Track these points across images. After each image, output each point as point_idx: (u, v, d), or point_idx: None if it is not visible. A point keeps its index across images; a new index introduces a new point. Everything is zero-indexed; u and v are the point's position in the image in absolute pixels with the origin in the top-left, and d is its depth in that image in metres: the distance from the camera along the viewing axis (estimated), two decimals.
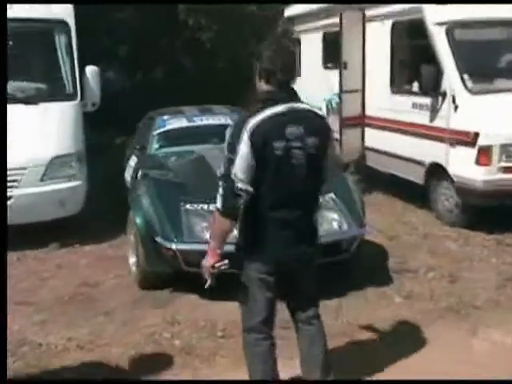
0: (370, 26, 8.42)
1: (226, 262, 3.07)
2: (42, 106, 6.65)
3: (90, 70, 7.08)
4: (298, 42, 11.12)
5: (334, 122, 8.89)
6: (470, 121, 6.59)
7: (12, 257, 5.74)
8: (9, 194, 5.88)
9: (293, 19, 11.40)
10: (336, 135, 8.78)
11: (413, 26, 7.63)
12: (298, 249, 3.14)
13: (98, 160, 8.08)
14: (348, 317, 4.66)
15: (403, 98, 7.75)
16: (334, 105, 8.95)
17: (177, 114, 7.51)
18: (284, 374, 3.43)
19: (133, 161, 7.06)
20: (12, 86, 6.28)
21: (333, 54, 9.14)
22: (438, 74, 6.93)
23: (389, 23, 7.97)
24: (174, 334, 4.39)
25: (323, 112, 8.91)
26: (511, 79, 6.97)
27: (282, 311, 3.43)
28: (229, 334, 4.27)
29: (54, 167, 6.51)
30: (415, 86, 7.53)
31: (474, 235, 6.54)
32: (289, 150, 2.98)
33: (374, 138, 8.49)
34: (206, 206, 4.92)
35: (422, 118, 7.27)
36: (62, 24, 6.99)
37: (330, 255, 4.93)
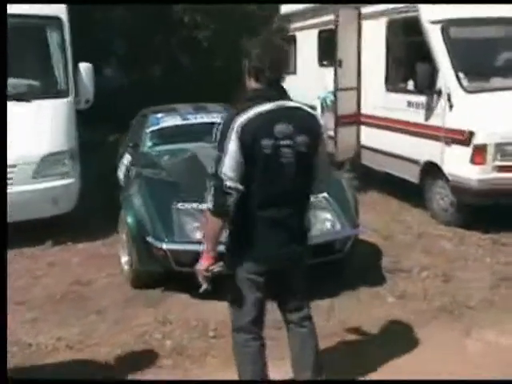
0: (365, 24, 8.39)
1: (221, 264, 3.04)
2: (35, 102, 6.60)
3: (84, 67, 7.02)
4: (294, 39, 11.10)
5: (329, 120, 8.87)
6: (465, 119, 6.56)
7: None
8: None
9: (288, 16, 11.36)
10: (331, 133, 8.76)
11: (408, 23, 7.59)
12: (288, 248, 3.11)
13: (91, 157, 8.05)
14: (340, 317, 4.63)
15: (398, 96, 7.73)
16: (328, 103, 8.91)
17: (170, 111, 7.48)
18: (275, 375, 3.40)
19: (126, 159, 7.03)
20: None
21: (328, 51, 9.11)
22: (434, 72, 6.90)
23: (384, 21, 7.94)
24: (165, 333, 4.36)
25: (317, 110, 8.92)
26: (507, 78, 6.94)
27: (274, 311, 3.41)
28: (220, 334, 4.24)
29: (46, 164, 6.46)
30: (410, 84, 7.50)
31: (469, 234, 6.52)
32: (277, 148, 2.95)
33: (369, 137, 8.46)
34: (197, 206, 4.88)
35: (417, 116, 7.24)
36: (55, 20, 6.93)
37: (323, 255, 4.92)
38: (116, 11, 11.92)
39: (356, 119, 8.64)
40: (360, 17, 8.43)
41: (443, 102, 6.81)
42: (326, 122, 8.81)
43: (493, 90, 6.68)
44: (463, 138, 6.47)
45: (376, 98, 8.20)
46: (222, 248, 3.12)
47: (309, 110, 3.19)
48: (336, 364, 3.82)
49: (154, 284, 5.14)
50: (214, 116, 7.15)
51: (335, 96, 8.57)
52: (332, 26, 8.62)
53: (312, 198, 4.96)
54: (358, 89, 8.59)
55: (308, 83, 9.99)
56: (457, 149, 6.60)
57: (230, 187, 2.90)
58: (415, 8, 7.23)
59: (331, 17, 8.67)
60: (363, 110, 8.57)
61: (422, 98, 7.14)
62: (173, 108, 7.64)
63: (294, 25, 11.11)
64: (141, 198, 5.17)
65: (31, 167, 6.40)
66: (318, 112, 8.85)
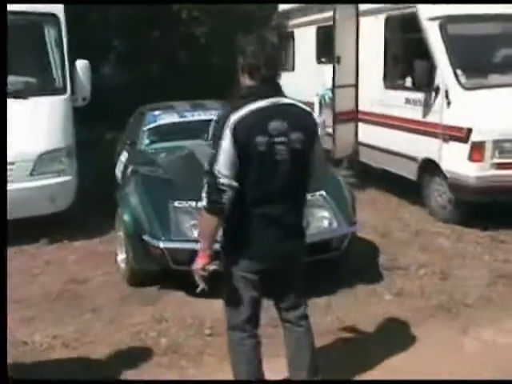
0: (363, 21, 8.36)
1: (217, 262, 3.02)
2: (32, 100, 6.58)
3: (81, 64, 7.00)
4: (292, 36, 11.09)
5: (327, 117, 8.86)
6: (463, 116, 6.55)
7: None
8: None
9: (287, 13, 11.34)
10: (329, 130, 8.75)
11: (406, 20, 7.57)
12: (284, 245, 3.09)
13: (89, 155, 8.03)
14: (337, 314, 4.61)
15: (396, 93, 7.71)
16: (327, 100, 8.89)
17: (168, 109, 7.45)
18: (271, 373, 3.39)
19: (123, 156, 7.00)
20: None
21: (326, 48, 9.08)
22: (431, 69, 6.88)
23: (382, 17, 7.92)
24: (161, 331, 4.34)
25: (316, 107, 8.91)
26: (505, 74, 6.93)
27: (270, 309, 3.41)
28: (216, 332, 4.21)
29: (43, 162, 6.45)
30: (408, 81, 7.48)
31: (467, 232, 6.51)
32: (272, 145, 2.94)
33: (367, 134, 8.44)
34: (194, 204, 4.85)
35: (415, 113, 7.23)
36: (51, 17, 6.91)
37: (320, 253, 4.90)
38: (112, 10, 11.88)
39: (354, 116, 8.62)
40: (358, 13, 8.39)
41: (441, 98, 6.79)
42: (325, 119, 8.82)
43: (491, 87, 6.66)
44: (461, 134, 6.46)
45: (374, 94, 8.18)
46: (217, 246, 3.10)
47: (304, 106, 3.17)
48: (333, 362, 3.81)
49: (151, 282, 5.13)
50: (211, 113, 7.09)
51: (333, 93, 8.54)
52: (330, 23, 8.58)
53: (309, 196, 4.99)
54: (356, 86, 8.56)
55: (306, 80, 9.98)
56: (455, 146, 6.58)
57: (224, 184, 2.89)
58: (413, 4, 7.20)
59: (329, 13, 8.63)
60: (361, 107, 8.55)
61: (420, 95, 7.12)
62: (170, 105, 7.62)
63: (293, 21, 11.10)
64: (137, 196, 5.15)
65: (28, 165, 6.38)
66: (317, 109, 8.85)
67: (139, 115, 7.65)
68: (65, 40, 6.97)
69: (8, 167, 6.08)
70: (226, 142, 2.89)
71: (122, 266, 5.35)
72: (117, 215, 5.41)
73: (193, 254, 3.30)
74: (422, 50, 7.06)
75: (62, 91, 6.87)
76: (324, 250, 4.99)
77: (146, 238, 4.86)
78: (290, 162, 2.99)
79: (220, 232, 3.11)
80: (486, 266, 5.56)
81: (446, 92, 6.70)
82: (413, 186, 7.46)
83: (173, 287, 5.00)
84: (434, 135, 6.88)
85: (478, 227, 6.49)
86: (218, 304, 3.96)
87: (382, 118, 7.98)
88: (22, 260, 5.97)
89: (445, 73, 6.76)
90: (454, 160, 6.59)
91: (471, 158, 6.36)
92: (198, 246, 3.22)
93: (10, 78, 6.54)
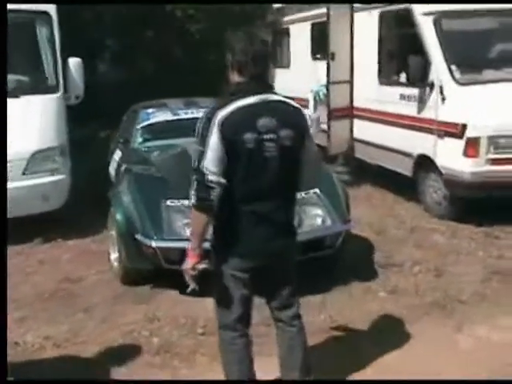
0: (357, 16, 8.34)
1: (207, 261, 3.00)
2: (24, 98, 6.53)
3: (73, 62, 6.96)
4: (287, 32, 11.06)
5: (321, 114, 8.84)
6: (457, 112, 6.52)
7: None
8: None
9: (282, 10, 11.31)
10: (324, 127, 8.73)
11: (400, 15, 7.55)
12: (274, 243, 3.07)
13: (83, 153, 7.99)
14: (332, 312, 4.59)
15: (391, 89, 7.68)
16: (321, 96, 8.86)
17: (161, 106, 7.41)
18: (263, 373, 3.37)
19: (117, 155, 6.97)
20: None
21: (321, 44, 9.06)
22: (426, 64, 6.86)
23: (376, 13, 7.88)
24: (154, 331, 4.33)
25: (310, 103, 8.89)
26: (499, 70, 6.89)
27: (263, 308, 3.38)
28: (209, 331, 4.18)
29: (36, 161, 6.42)
30: (403, 77, 7.46)
31: (462, 228, 6.49)
32: (261, 142, 2.91)
33: (363, 130, 8.43)
34: (187, 202, 4.79)
35: (410, 109, 7.21)
36: (43, 15, 6.87)
37: (314, 251, 4.90)
38: (106, 8, 11.82)
39: (349, 112, 8.60)
40: (352, 9, 8.36)
41: (436, 94, 6.77)
42: (319, 115, 8.80)
43: (485, 82, 6.62)
44: (456, 130, 6.44)
45: (369, 91, 8.16)
46: (207, 245, 3.08)
47: (293, 103, 3.13)
48: (326, 360, 3.79)
49: (144, 281, 5.11)
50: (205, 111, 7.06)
51: (328, 89, 8.51)
52: (325, 19, 8.55)
53: (302, 194, 5.05)
54: (351, 82, 8.54)
55: (301, 77, 9.97)
56: (449, 142, 6.56)
57: (212, 181, 2.87)
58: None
59: (324, 10, 8.61)
60: (356, 103, 8.53)
61: (415, 91, 7.10)
62: (163, 103, 7.58)
63: (288, 18, 11.07)
64: (130, 195, 5.12)
65: (21, 163, 6.35)
66: (311, 106, 8.83)
67: (132, 113, 7.61)
68: (57, 38, 6.92)
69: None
70: (214, 139, 2.86)
71: (115, 265, 5.33)
72: (109, 214, 5.38)
73: (185, 253, 3.27)
74: (416, 46, 7.04)
75: (55, 89, 6.83)
76: (318, 248, 4.98)
77: (138, 237, 4.83)
78: (279, 159, 2.96)
79: (210, 230, 3.08)
80: (481, 262, 5.54)
81: (441, 88, 6.68)
82: (408, 182, 7.44)
83: (166, 286, 4.97)
84: (429, 131, 6.86)
85: (472, 223, 6.48)
86: (211, 303, 3.91)
87: (376, 114, 7.96)
88: (16, 259, 5.92)
89: (439, 68, 6.74)
90: (449, 156, 6.57)
91: (466, 154, 6.34)
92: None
93: None
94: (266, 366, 3.45)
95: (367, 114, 8.22)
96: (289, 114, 3.05)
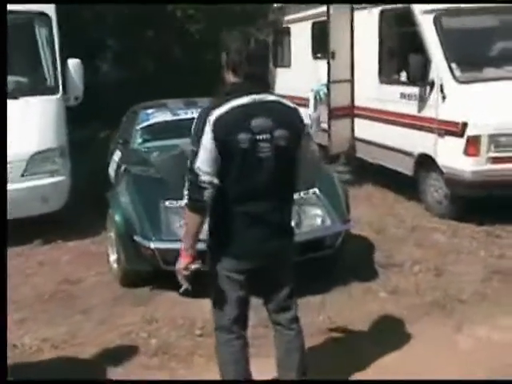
0: (357, 15, 8.31)
1: (200, 261, 2.99)
2: (23, 100, 6.54)
3: (73, 63, 6.96)
4: (288, 32, 11.04)
5: (322, 113, 8.82)
6: (458, 110, 6.49)
7: None
8: None
9: (283, 9, 11.28)
10: (325, 126, 8.71)
11: (401, 14, 7.52)
12: (270, 244, 3.04)
13: (83, 154, 7.99)
14: (331, 313, 4.56)
15: (392, 88, 7.65)
16: (322, 96, 8.83)
17: (161, 107, 7.39)
18: (261, 373, 3.36)
19: (116, 155, 6.96)
20: None
21: (322, 43, 9.02)
22: (426, 63, 6.83)
23: (377, 12, 7.85)
24: (152, 332, 4.31)
25: (311, 103, 8.86)
26: (500, 68, 6.85)
27: (261, 309, 3.36)
28: (207, 333, 4.15)
29: (35, 163, 6.42)
30: (403, 76, 7.43)
31: (463, 227, 6.46)
32: (255, 142, 2.89)
33: (363, 129, 8.40)
34: None
35: (411, 108, 7.18)
36: (42, 16, 6.87)
37: (314, 251, 4.88)
38: (107, 8, 11.82)
39: (350, 112, 8.57)
40: (353, 8, 8.34)
41: (436, 93, 6.74)
42: (320, 114, 8.78)
43: (486, 81, 6.59)
44: (456, 129, 6.40)
45: (369, 89, 8.13)
46: (202, 246, 3.06)
47: (289, 103, 3.11)
48: (326, 361, 3.79)
49: (143, 282, 5.10)
50: None
51: (328, 89, 8.49)
52: (325, 18, 8.52)
53: (302, 194, 5.03)
54: (352, 81, 8.51)
55: (302, 76, 9.95)
56: (450, 140, 6.53)
57: (205, 182, 2.86)
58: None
59: (324, 8, 8.58)
60: (357, 103, 8.50)
61: (415, 90, 7.07)
62: (163, 104, 7.56)
63: (288, 17, 11.04)
64: (128, 196, 5.12)
65: (21, 165, 6.34)
66: (311, 105, 8.80)
67: (132, 114, 7.60)
68: (56, 39, 6.92)
69: None
70: (207, 139, 2.85)
71: (114, 266, 5.31)
72: (108, 215, 5.37)
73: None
74: (416, 44, 7.01)
75: (54, 91, 6.84)
76: (317, 248, 4.96)
77: (136, 238, 4.82)
78: (274, 160, 2.94)
79: (206, 231, 3.07)
80: (481, 262, 5.51)
81: (441, 86, 6.64)
82: (410, 181, 7.40)
83: (165, 288, 4.95)
84: (430, 130, 6.83)
85: (473, 222, 6.44)
86: (208, 304, 3.88)
87: (377, 113, 7.93)
88: (16, 261, 5.91)
89: (439, 67, 6.71)
90: (450, 155, 6.54)
91: (467, 153, 6.31)
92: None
93: None
94: (264, 368, 3.44)
95: (368, 113, 8.19)
96: (284, 114, 3.02)
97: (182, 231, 4.62)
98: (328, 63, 8.38)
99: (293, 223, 3.43)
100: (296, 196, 4.30)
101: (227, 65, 3.03)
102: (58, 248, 6.29)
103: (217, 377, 3.32)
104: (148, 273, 5.03)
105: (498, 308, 4.60)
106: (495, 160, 6.25)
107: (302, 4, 10.19)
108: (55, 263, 5.90)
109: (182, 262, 2.99)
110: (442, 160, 6.67)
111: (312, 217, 5.05)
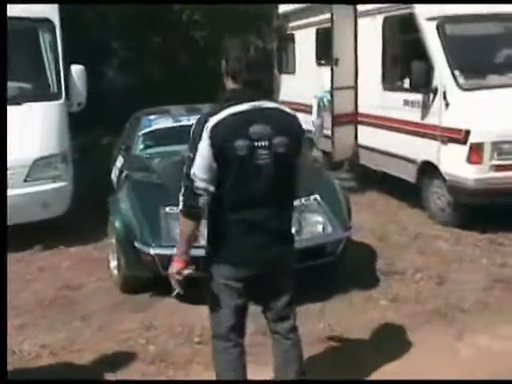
0: (361, 22, 8.30)
1: (193, 267, 2.98)
2: (26, 105, 6.56)
3: (76, 70, 6.97)
4: (293, 38, 11.03)
5: (326, 120, 8.81)
6: (461, 118, 6.46)
7: None
8: None
9: (287, 15, 11.28)
10: (328, 133, 8.69)
11: (404, 21, 7.49)
12: (268, 251, 3.01)
13: (86, 160, 8.00)
14: (331, 320, 4.54)
15: (395, 95, 7.63)
16: (325, 102, 8.81)
17: (163, 113, 7.41)
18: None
19: (119, 161, 6.97)
20: None
21: (326, 50, 9.01)
22: (429, 69, 6.80)
23: (380, 18, 7.84)
24: (150, 339, 4.30)
25: (314, 109, 8.85)
26: (503, 75, 6.82)
27: (259, 317, 3.33)
28: (205, 340, 4.11)
29: (37, 168, 6.43)
30: (407, 83, 7.41)
31: (466, 234, 6.42)
32: (253, 149, 2.87)
33: (367, 136, 8.37)
34: None
35: (414, 115, 7.15)
36: (46, 23, 6.90)
37: (314, 258, 4.86)
38: (112, 16, 11.89)
39: (353, 118, 8.55)
40: (356, 14, 8.33)
41: (439, 100, 6.70)
42: (323, 121, 8.77)
43: (489, 88, 6.56)
44: (459, 136, 6.37)
45: (373, 96, 8.11)
46: (196, 252, 3.07)
47: (288, 110, 3.09)
48: (326, 369, 3.78)
49: (143, 289, 5.08)
50: None
51: (332, 95, 8.47)
52: (329, 25, 8.51)
53: (303, 201, 5.01)
54: (355, 87, 8.49)
55: (306, 82, 9.94)
56: (453, 148, 6.50)
57: (199, 188, 2.85)
58: (411, 5, 7.13)
59: (328, 15, 8.57)
60: (360, 109, 8.48)
61: (418, 97, 7.04)
62: (166, 110, 7.58)
63: (293, 23, 11.04)
64: (129, 202, 5.11)
65: (23, 171, 6.36)
66: (315, 111, 8.79)
67: (135, 120, 7.62)
68: (60, 45, 6.95)
69: None
70: (203, 146, 2.85)
71: (115, 272, 5.31)
72: (109, 221, 5.36)
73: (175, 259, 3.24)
74: (420, 51, 6.98)
75: (57, 96, 6.85)
76: (318, 256, 4.94)
77: (137, 244, 4.81)
78: (273, 167, 2.92)
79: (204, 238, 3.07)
80: (484, 270, 5.47)
81: (444, 93, 6.61)
82: (413, 188, 7.36)
83: (165, 294, 4.90)
84: (433, 137, 6.80)
85: (476, 230, 6.40)
86: (207, 311, 3.92)
87: (380, 120, 7.91)
88: (16, 266, 5.91)
89: (443, 74, 6.68)
90: (453, 162, 6.51)
91: (470, 160, 6.28)
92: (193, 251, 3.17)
93: None
94: (261, 376, 3.44)
95: (371, 119, 8.17)
96: (283, 121, 3.01)
97: None
98: (331, 70, 8.36)
99: (293, 230, 3.42)
100: (297, 203, 4.31)
101: (227, 72, 3.03)
102: (59, 254, 6.29)
103: None
104: (148, 279, 5.01)
105: (499, 317, 4.56)
106: (498, 168, 6.22)
107: (305, 3, 10.17)
108: (56, 269, 5.90)
109: (174, 267, 2.99)
110: (445, 167, 6.64)
111: (313, 224, 5.03)
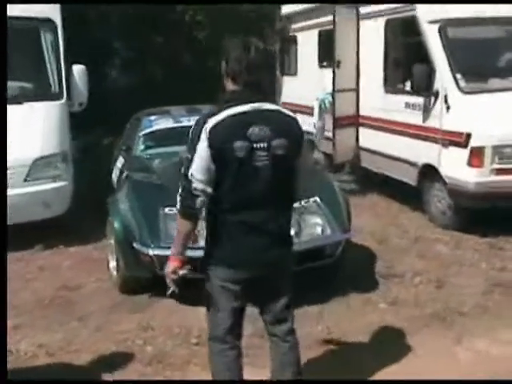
0: (363, 24, 8.29)
1: (188, 267, 2.99)
2: (27, 105, 6.56)
3: (78, 69, 6.98)
4: (295, 40, 11.03)
5: (327, 122, 8.80)
6: (462, 121, 6.45)
7: None
8: None
9: (290, 17, 11.28)
10: (329, 135, 8.68)
11: (406, 23, 7.49)
12: (267, 254, 3.00)
13: (87, 160, 7.99)
14: (329, 323, 4.53)
15: (396, 98, 7.62)
16: (327, 104, 8.80)
17: (164, 114, 7.41)
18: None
19: (119, 162, 6.97)
20: None
21: (328, 52, 9.00)
22: (431, 72, 6.79)
23: (382, 21, 7.83)
24: (147, 340, 4.29)
25: (315, 111, 8.85)
26: (505, 78, 6.81)
27: (257, 319, 3.32)
28: (203, 341, 4.06)
29: (37, 168, 6.43)
30: (408, 85, 7.39)
31: (466, 238, 6.40)
32: (251, 150, 2.86)
33: (368, 139, 8.36)
34: None
35: (415, 118, 7.14)
36: (47, 22, 6.90)
37: (313, 260, 4.84)
38: (115, 16, 11.91)
39: (355, 121, 8.54)
40: (358, 16, 8.32)
41: (440, 103, 6.69)
42: (324, 123, 8.76)
43: (491, 91, 6.55)
44: (460, 140, 6.36)
45: (374, 99, 8.10)
46: (192, 253, 3.10)
47: (288, 112, 3.09)
48: (324, 372, 3.77)
49: (142, 289, 5.07)
50: None
51: (333, 97, 8.46)
52: (331, 27, 8.51)
53: (302, 203, 5.00)
54: (357, 90, 8.48)
55: (308, 84, 9.93)
56: (454, 151, 6.49)
57: (197, 189, 2.85)
58: (413, 7, 7.12)
59: (331, 17, 8.56)
60: (362, 112, 8.47)
61: (420, 100, 7.03)
62: (166, 110, 7.58)
63: (295, 25, 11.03)
64: (128, 203, 5.11)
65: (23, 170, 6.36)
66: (316, 114, 8.78)
67: (135, 120, 7.62)
68: (61, 45, 6.95)
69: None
70: (202, 147, 2.85)
71: (114, 273, 5.30)
72: (108, 222, 5.36)
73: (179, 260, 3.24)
74: (422, 54, 6.98)
75: (58, 96, 6.85)
76: (317, 258, 4.93)
77: (135, 245, 4.81)
78: (271, 169, 2.91)
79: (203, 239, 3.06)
80: (483, 274, 5.45)
81: (445, 96, 6.60)
82: (415, 191, 7.35)
83: (164, 295, 4.89)
84: (434, 140, 6.79)
85: (477, 233, 6.39)
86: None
87: (382, 123, 7.90)
88: (16, 266, 5.90)
89: (444, 77, 6.67)
90: (454, 165, 6.50)
91: (470, 164, 6.26)
92: (187, 253, 3.17)
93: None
94: (258, 378, 3.41)
95: (373, 122, 8.16)
96: (283, 123, 3.00)
97: None
98: (333, 72, 8.35)
99: (292, 232, 3.41)
100: (296, 204, 4.29)
101: (227, 73, 3.02)
102: (60, 253, 6.29)
103: None
104: (147, 280, 5.00)
105: (498, 321, 4.55)
106: (499, 171, 6.20)
107: (306, 3, 10.16)
108: (56, 269, 5.89)
109: (170, 266, 3.00)
110: (446, 170, 6.62)
111: (312, 226, 5.01)
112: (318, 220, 5.05)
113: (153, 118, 7.28)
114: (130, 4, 11.52)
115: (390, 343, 4.29)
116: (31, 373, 3.91)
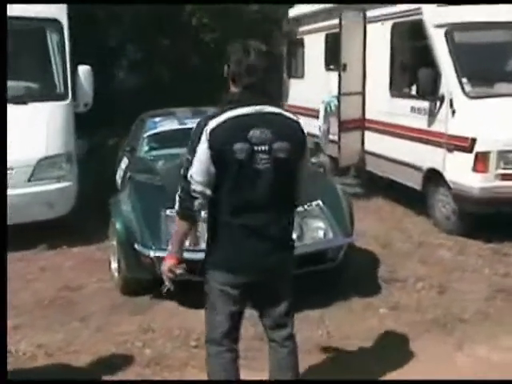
0: (369, 28, 8.27)
1: (184, 266, 3.01)
2: (31, 105, 6.58)
3: (83, 70, 6.99)
4: (302, 43, 11.02)
5: (332, 125, 8.78)
6: (467, 126, 6.42)
7: None
8: None
9: (297, 20, 11.27)
10: (335, 138, 8.66)
11: (412, 27, 7.47)
12: (267, 258, 2.98)
13: (92, 161, 8.00)
14: (330, 328, 4.51)
15: (402, 102, 7.60)
16: (332, 107, 8.78)
17: (168, 115, 7.42)
18: None
19: (124, 163, 6.98)
20: None
21: (335, 55, 8.98)
22: (437, 77, 6.76)
23: (389, 25, 7.81)
24: (147, 342, 4.28)
25: (321, 114, 8.83)
26: (511, 83, 6.77)
27: (257, 322, 3.32)
28: (202, 344, 3.99)
29: (42, 168, 6.45)
30: (414, 90, 7.37)
31: (470, 244, 6.36)
32: (252, 153, 2.85)
33: (373, 142, 8.34)
34: None
35: (420, 122, 7.11)
36: (54, 23, 6.92)
37: (315, 264, 4.83)
38: (125, 13, 11.92)
39: (360, 124, 8.52)
40: (365, 20, 8.30)
41: (446, 107, 6.66)
42: (329, 126, 8.74)
43: (496, 96, 6.52)
44: (465, 144, 6.33)
45: (380, 103, 8.08)
46: (189, 255, 3.15)
47: (290, 115, 3.07)
48: (323, 375, 3.76)
49: (143, 291, 5.06)
50: None
51: (339, 101, 8.44)
52: (338, 30, 8.49)
53: (305, 206, 4.97)
54: (363, 93, 8.46)
55: (315, 87, 9.91)
56: (459, 156, 6.46)
57: (196, 191, 2.85)
58: (419, 12, 7.10)
59: (337, 20, 8.55)
60: (367, 115, 8.45)
61: (425, 104, 7.01)
62: (171, 112, 7.58)
63: (302, 28, 11.02)
64: (130, 204, 5.11)
65: (27, 170, 6.38)
66: (321, 116, 8.77)
67: (140, 122, 7.64)
68: (67, 45, 6.96)
69: (8, 172, 6.11)
70: (202, 148, 2.84)
71: (115, 274, 5.30)
72: (110, 223, 5.36)
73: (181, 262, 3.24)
74: (428, 58, 6.95)
75: (64, 97, 6.87)
76: (319, 261, 4.91)
77: (137, 246, 4.81)
78: (273, 172, 2.89)
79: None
80: (486, 280, 5.42)
81: (451, 101, 6.58)
82: (420, 196, 7.32)
83: (165, 297, 4.89)
84: (439, 145, 6.76)
85: (481, 239, 6.35)
86: None
87: (388, 127, 7.87)
88: (19, 266, 5.92)
89: (450, 81, 6.64)
90: (458, 170, 6.47)
91: (475, 169, 6.24)
92: (188, 255, 3.26)
93: (11, 83, 6.52)
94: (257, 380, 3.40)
95: (378, 126, 8.13)
96: (285, 126, 2.98)
97: None
98: (339, 75, 8.34)
99: (294, 235, 3.39)
100: (299, 208, 4.28)
101: (228, 75, 3.03)
102: (62, 254, 6.30)
103: None
104: (148, 281, 4.98)
105: (500, 327, 4.52)
106: (504, 177, 6.17)
107: (311, 3, 10.14)
108: (57, 269, 5.90)
109: (166, 264, 3.02)
110: (450, 175, 6.60)
111: (314, 229, 5.00)
112: (321, 224, 5.03)
113: (157, 119, 7.29)
114: (140, 4, 11.53)
115: (391, 348, 4.26)
116: (31, 373, 3.90)
